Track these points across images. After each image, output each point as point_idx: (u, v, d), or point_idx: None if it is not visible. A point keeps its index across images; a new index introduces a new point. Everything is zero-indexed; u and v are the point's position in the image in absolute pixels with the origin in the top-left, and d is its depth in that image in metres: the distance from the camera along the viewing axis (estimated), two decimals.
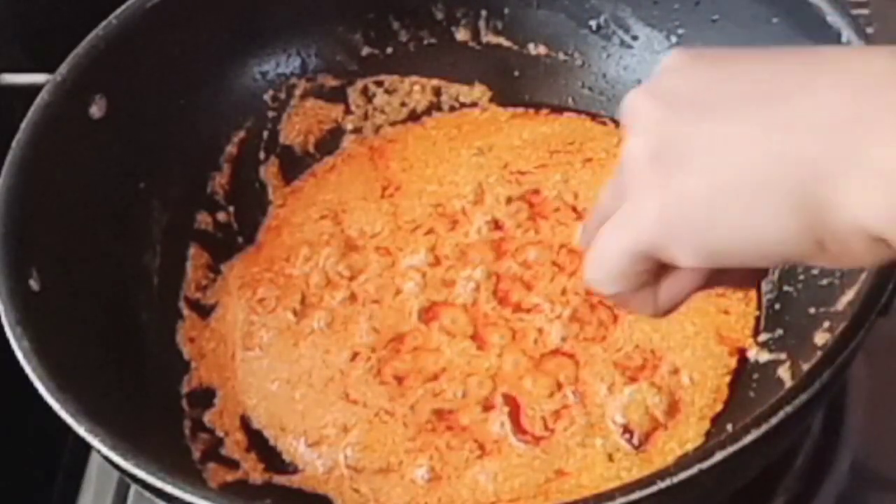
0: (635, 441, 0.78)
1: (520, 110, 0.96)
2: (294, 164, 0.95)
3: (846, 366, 0.68)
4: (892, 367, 0.85)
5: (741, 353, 0.81)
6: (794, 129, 0.50)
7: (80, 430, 0.68)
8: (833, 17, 0.79)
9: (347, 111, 0.97)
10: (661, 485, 0.62)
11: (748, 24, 0.86)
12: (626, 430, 0.78)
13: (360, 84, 0.97)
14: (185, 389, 0.84)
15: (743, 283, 0.65)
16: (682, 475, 0.62)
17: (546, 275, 0.86)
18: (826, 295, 0.77)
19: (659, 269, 0.57)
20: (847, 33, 0.78)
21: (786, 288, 0.82)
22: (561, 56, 0.96)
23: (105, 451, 0.67)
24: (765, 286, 0.83)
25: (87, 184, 0.84)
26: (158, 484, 0.65)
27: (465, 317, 0.84)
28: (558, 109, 0.96)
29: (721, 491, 0.69)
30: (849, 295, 0.74)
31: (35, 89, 0.83)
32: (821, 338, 0.75)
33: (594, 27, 0.95)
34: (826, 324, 0.76)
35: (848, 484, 0.81)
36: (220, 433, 0.82)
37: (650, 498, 0.62)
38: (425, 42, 0.97)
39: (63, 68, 0.84)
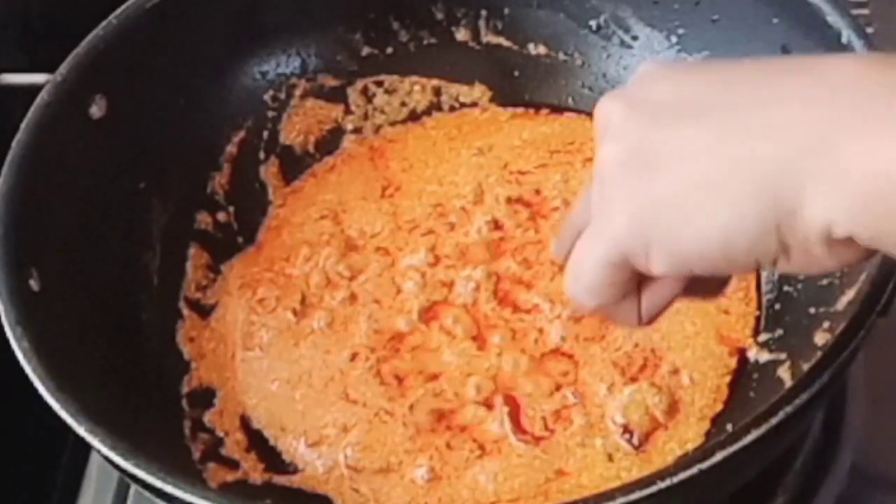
0: (635, 441, 0.78)
1: (520, 110, 0.96)
2: (294, 164, 0.95)
3: (846, 366, 0.68)
4: (892, 367, 0.85)
5: (741, 353, 0.81)
6: (753, 133, 0.51)
7: (80, 430, 0.68)
8: (833, 17, 0.79)
9: (347, 111, 0.97)
10: (661, 485, 0.62)
11: (748, 24, 0.86)
12: (626, 430, 0.78)
13: (360, 84, 0.97)
14: (185, 389, 0.84)
15: (719, 291, 0.65)
16: (682, 475, 0.62)
17: (546, 275, 0.86)
18: (826, 295, 0.77)
19: (638, 279, 0.58)
20: (847, 33, 0.78)
21: (786, 288, 0.82)
22: (561, 56, 0.96)
23: (105, 451, 0.67)
24: (765, 286, 0.83)
25: (87, 184, 0.84)
26: (158, 484, 0.65)
27: (465, 317, 0.84)
28: (558, 109, 0.96)
29: (721, 491, 0.69)
30: (849, 295, 0.74)
31: (35, 89, 0.83)
32: (821, 338, 0.75)
33: (594, 27, 0.95)
34: (826, 324, 0.76)
35: (848, 484, 0.81)
36: (220, 433, 0.82)
37: (650, 498, 0.62)
38: (425, 42, 0.97)
39: (63, 68, 0.84)
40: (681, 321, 0.82)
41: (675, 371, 0.80)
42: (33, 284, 0.75)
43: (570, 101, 0.96)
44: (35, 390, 0.70)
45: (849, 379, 0.83)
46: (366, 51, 0.97)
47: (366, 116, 0.97)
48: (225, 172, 0.93)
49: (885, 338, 0.70)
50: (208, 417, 0.83)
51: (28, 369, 0.70)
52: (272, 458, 0.81)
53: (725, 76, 0.55)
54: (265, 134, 0.95)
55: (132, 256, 0.87)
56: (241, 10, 0.93)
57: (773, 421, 0.64)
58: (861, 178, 0.48)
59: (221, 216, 0.92)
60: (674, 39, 0.92)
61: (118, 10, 0.87)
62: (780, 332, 0.81)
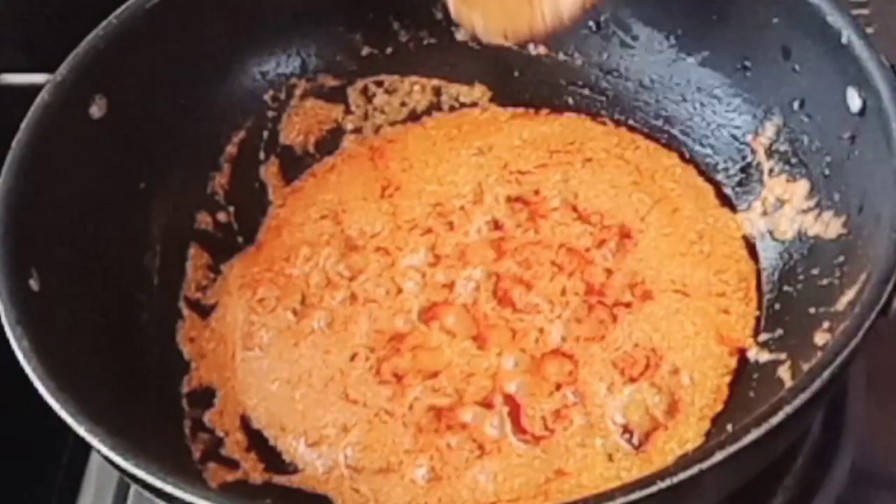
0: (635, 441, 0.78)
1: (520, 110, 0.96)
2: (294, 164, 0.95)
3: (846, 366, 0.68)
4: (892, 367, 0.85)
5: (741, 353, 0.81)
6: None
7: (80, 430, 0.68)
8: (833, 17, 0.79)
9: (347, 111, 0.97)
10: (661, 485, 0.62)
11: (748, 24, 0.86)
12: (626, 430, 0.78)
13: (360, 84, 0.97)
14: (185, 389, 0.84)
15: None
16: (682, 475, 0.62)
17: (546, 275, 0.86)
18: (826, 295, 0.77)
19: None
20: (847, 33, 0.78)
21: (786, 288, 0.82)
22: (561, 56, 0.96)
23: (105, 451, 0.67)
24: (765, 286, 0.84)
25: (87, 184, 0.84)
26: (158, 484, 0.65)
27: (465, 317, 0.84)
28: (558, 109, 0.96)
29: (721, 491, 0.69)
30: (849, 295, 0.74)
31: (35, 89, 0.83)
32: (821, 338, 0.75)
33: (594, 27, 0.95)
34: (826, 324, 0.76)
35: (848, 484, 0.81)
36: (220, 433, 0.82)
37: (650, 498, 0.62)
38: (425, 42, 0.97)
39: (63, 68, 0.84)
40: (681, 321, 0.83)
41: (675, 371, 0.80)
42: (33, 284, 0.75)
43: (570, 101, 0.96)
44: (35, 390, 0.70)
45: (849, 379, 0.83)
46: (366, 51, 0.97)
47: (366, 116, 0.97)
48: (225, 172, 0.93)
49: (885, 338, 0.70)
50: (208, 417, 0.83)
51: (28, 369, 0.70)
52: (272, 458, 0.81)
53: None
54: (265, 134, 0.95)
55: (132, 256, 0.87)
56: (241, 10, 0.93)
57: (773, 421, 0.64)
58: None
59: (221, 216, 0.92)
60: (673, 39, 0.92)
61: (118, 10, 0.87)
62: (780, 332, 0.81)
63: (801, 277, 0.82)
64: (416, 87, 0.97)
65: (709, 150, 0.91)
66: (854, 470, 0.82)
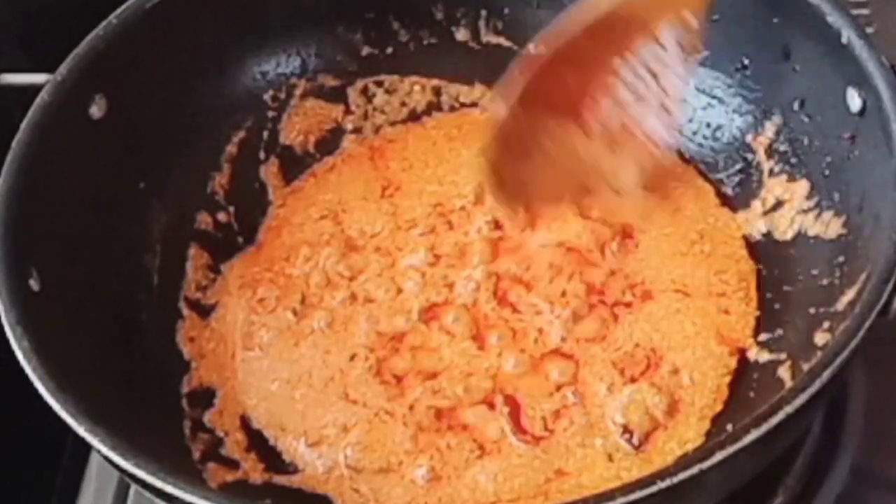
0: (635, 441, 0.78)
1: None
2: (294, 164, 0.95)
3: (846, 366, 0.68)
4: (892, 367, 0.85)
5: (741, 353, 0.81)
6: None
7: (80, 430, 0.68)
8: (833, 17, 0.79)
9: (347, 111, 0.97)
10: (661, 485, 0.62)
11: (748, 24, 0.86)
12: (626, 430, 0.78)
13: (360, 84, 0.97)
14: (185, 389, 0.84)
15: None
16: (682, 475, 0.62)
17: (546, 275, 0.86)
18: (826, 295, 0.77)
19: None
20: (847, 33, 0.78)
21: (786, 288, 0.82)
22: None
23: (105, 451, 0.67)
24: (765, 286, 0.83)
25: (87, 184, 0.84)
26: (158, 484, 0.65)
27: (465, 317, 0.84)
28: None
29: (721, 491, 0.69)
30: (849, 295, 0.74)
31: (35, 89, 0.83)
32: (821, 338, 0.75)
33: None
34: (826, 324, 0.76)
35: (848, 484, 0.81)
36: (220, 433, 0.82)
37: (650, 498, 0.62)
38: (425, 42, 0.97)
39: (63, 68, 0.84)
40: (681, 321, 0.83)
41: (675, 371, 0.80)
42: (33, 284, 0.75)
43: None
44: (35, 390, 0.70)
45: (849, 379, 0.83)
46: (366, 51, 0.97)
47: (366, 116, 0.97)
48: (225, 172, 0.93)
49: (885, 338, 0.70)
50: (208, 417, 0.83)
51: (28, 369, 0.70)
52: (272, 458, 0.81)
53: None
54: (265, 134, 0.95)
55: (132, 256, 0.87)
56: (241, 10, 0.93)
57: (773, 421, 0.64)
58: None
59: (221, 216, 0.92)
60: None
61: (118, 10, 0.87)
62: (780, 332, 0.81)
63: (801, 277, 0.82)
64: (416, 87, 0.97)
65: (709, 151, 0.90)
66: (854, 470, 0.82)
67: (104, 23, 0.86)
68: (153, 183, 0.89)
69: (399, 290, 0.87)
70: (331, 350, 0.85)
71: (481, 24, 0.97)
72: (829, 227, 0.80)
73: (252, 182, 0.94)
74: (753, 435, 0.63)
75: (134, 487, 0.81)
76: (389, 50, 0.97)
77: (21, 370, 0.70)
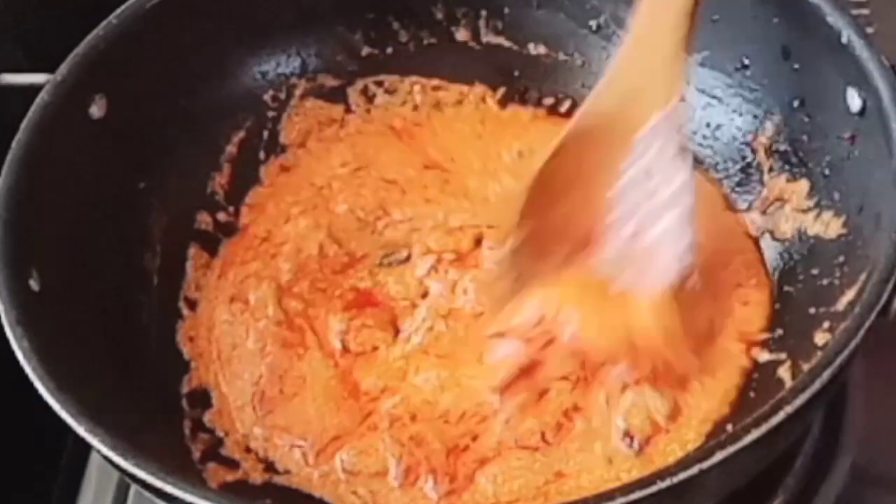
0: (635, 445, 0.77)
1: (519, 110, 0.96)
2: None
3: (846, 366, 0.68)
4: (892, 367, 0.85)
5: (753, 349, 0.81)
6: None
7: (80, 430, 0.68)
8: (833, 17, 0.79)
9: (347, 111, 0.97)
10: (661, 485, 0.62)
11: (748, 24, 0.86)
12: (627, 434, 0.78)
13: (360, 84, 0.97)
14: (185, 389, 0.84)
15: None
16: (682, 475, 0.62)
17: None
18: (826, 295, 0.77)
19: None
20: (847, 33, 0.78)
21: (786, 288, 0.82)
22: (561, 56, 0.96)
23: (105, 451, 0.67)
24: None
25: (87, 184, 0.84)
26: (158, 484, 0.65)
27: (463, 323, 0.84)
28: (558, 109, 0.96)
29: (721, 491, 0.69)
30: (849, 295, 0.74)
31: (35, 89, 0.83)
32: (821, 338, 0.75)
33: (594, 27, 0.95)
34: (826, 324, 0.76)
35: (848, 484, 0.81)
36: (220, 433, 0.82)
37: (650, 498, 0.62)
38: (425, 42, 0.97)
39: (63, 68, 0.84)
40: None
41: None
42: (33, 284, 0.75)
43: (570, 101, 0.96)
44: (35, 390, 0.70)
45: (849, 379, 0.83)
46: (366, 51, 0.97)
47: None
48: (225, 172, 0.93)
49: (885, 338, 0.70)
50: (208, 417, 0.83)
51: (28, 369, 0.70)
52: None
53: None
54: (265, 134, 0.95)
55: (132, 256, 0.87)
56: (241, 10, 0.93)
57: (773, 421, 0.64)
58: None
59: (221, 216, 0.92)
60: None
61: (118, 10, 0.87)
62: (780, 332, 0.81)
63: (801, 277, 0.81)
64: (416, 87, 0.97)
65: (709, 150, 0.90)
66: (854, 470, 0.82)
67: (104, 23, 0.86)
68: (153, 183, 0.89)
69: (398, 290, 0.86)
70: (322, 352, 0.84)
71: (481, 24, 0.97)
72: (829, 226, 0.80)
73: (252, 182, 0.94)
74: (753, 435, 0.63)
75: (134, 487, 0.81)
76: (389, 50, 0.97)
77: (21, 370, 0.70)
